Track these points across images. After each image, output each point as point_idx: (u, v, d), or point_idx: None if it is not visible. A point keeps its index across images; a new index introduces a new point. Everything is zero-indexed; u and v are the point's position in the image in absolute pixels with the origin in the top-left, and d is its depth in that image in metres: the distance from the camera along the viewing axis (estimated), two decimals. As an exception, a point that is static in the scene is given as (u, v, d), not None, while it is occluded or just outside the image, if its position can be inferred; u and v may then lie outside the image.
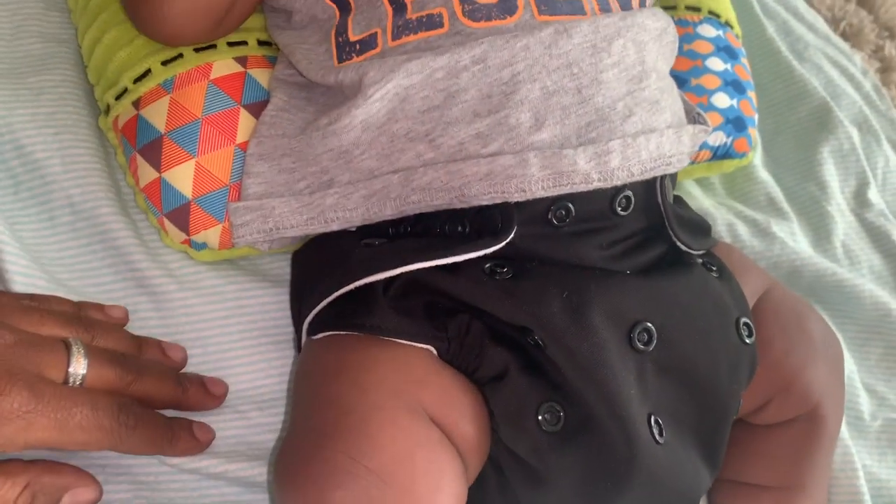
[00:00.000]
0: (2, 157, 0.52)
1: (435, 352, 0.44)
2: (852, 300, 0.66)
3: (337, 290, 0.45)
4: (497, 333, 0.44)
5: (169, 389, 0.46)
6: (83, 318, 0.47)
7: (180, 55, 0.51)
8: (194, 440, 0.47)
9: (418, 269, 0.44)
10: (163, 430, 0.45)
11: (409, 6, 0.47)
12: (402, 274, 0.44)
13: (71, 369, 0.42)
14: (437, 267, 0.44)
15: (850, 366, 0.63)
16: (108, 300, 0.51)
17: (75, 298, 0.49)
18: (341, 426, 0.41)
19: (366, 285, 0.45)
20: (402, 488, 0.40)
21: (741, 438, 0.52)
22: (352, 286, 0.45)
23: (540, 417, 0.43)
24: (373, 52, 0.47)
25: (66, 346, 0.42)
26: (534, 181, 0.43)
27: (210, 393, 0.49)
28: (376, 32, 0.47)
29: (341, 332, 0.45)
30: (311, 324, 0.46)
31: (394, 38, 0.46)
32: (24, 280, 0.49)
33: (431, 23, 0.46)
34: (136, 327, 0.50)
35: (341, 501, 0.39)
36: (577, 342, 0.42)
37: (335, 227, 0.47)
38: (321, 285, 0.46)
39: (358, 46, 0.47)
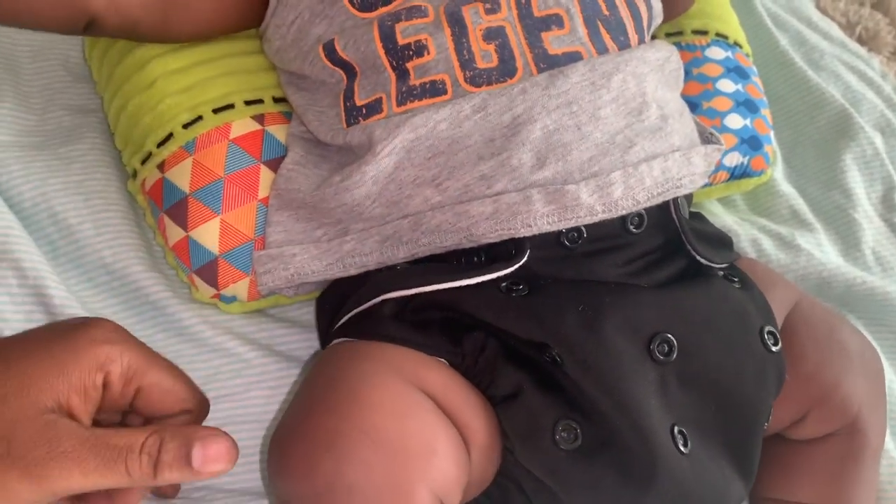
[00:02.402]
0: (39, 224, 0.54)
1: (448, 366, 0.45)
2: (886, 308, 0.65)
3: (356, 308, 0.46)
4: (512, 352, 0.44)
5: None
6: None
7: (200, 117, 0.53)
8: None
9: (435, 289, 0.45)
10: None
11: (411, 72, 0.48)
12: (419, 293, 0.45)
13: None
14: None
15: (889, 375, 0.61)
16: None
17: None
18: (330, 392, 0.41)
19: (382, 303, 0.46)
20: (393, 447, 0.39)
21: (781, 455, 0.51)
22: (370, 303, 0.46)
23: (557, 436, 0.43)
24: (378, 116, 0.48)
25: None
26: (539, 216, 0.44)
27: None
28: (381, 97, 0.48)
29: (355, 340, 0.46)
30: (329, 340, 0.48)
31: (399, 104, 0.48)
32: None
33: (435, 89, 0.47)
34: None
35: (332, 465, 0.39)
36: (593, 355, 0.43)
37: (353, 271, 0.48)
38: (343, 305, 0.47)
39: (364, 110, 0.49)
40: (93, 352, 0.39)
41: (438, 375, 0.43)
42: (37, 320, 0.50)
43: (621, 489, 0.43)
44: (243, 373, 0.53)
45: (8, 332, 0.48)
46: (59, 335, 0.40)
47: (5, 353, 0.39)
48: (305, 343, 0.55)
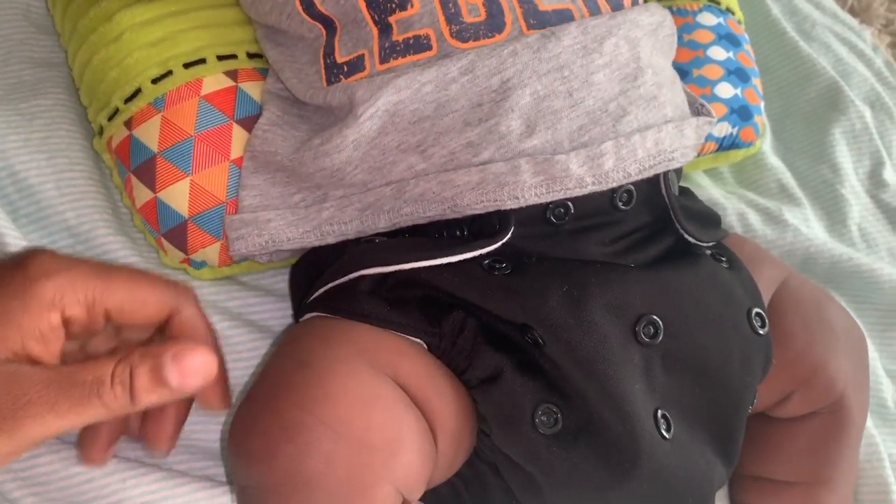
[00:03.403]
0: (-1, 184, 0.52)
1: (426, 347, 0.44)
2: (871, 285, 0.65)
3: (332, 282, 0.45)
4: (492, 333, 0.43)
5: None
6: None
7: (169, 72, 0.50)
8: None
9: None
10: None
11: (394, 27, 0.45)
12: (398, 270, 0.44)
13: None
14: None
15: (871, 353, 0.61)
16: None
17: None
18: (296, 378, 0.40)
19: (360, 278, 0.44)
20: (357, 441, 0.38)
21: (763, 433, 0.51)
22: (346, 278, 0.44)
23: (536, 420, 0.41)
24: (360, 74, 0.46)
25: None
26: (526, 188, 0.42)
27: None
28: (363, 54, 0.46)
29: (328, 316, 0.44)
30: (301, 313, 0.46)
31: (381, 62, 0.45)
32: None
33: (419, 45, 0.45)
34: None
35: (292, 456, 0.37)
36: (577, 337, 0.41)
37: (331, 240, 0.46)
38: (318, 277, 0.45)
39: (346, 68, 0.46)
40: (36, 292, 0.36)
41: (410, 362, 0.42)
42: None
43: (601, 474, 0.42)
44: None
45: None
46: None
47: None
48: (279, 313, 0.53)
